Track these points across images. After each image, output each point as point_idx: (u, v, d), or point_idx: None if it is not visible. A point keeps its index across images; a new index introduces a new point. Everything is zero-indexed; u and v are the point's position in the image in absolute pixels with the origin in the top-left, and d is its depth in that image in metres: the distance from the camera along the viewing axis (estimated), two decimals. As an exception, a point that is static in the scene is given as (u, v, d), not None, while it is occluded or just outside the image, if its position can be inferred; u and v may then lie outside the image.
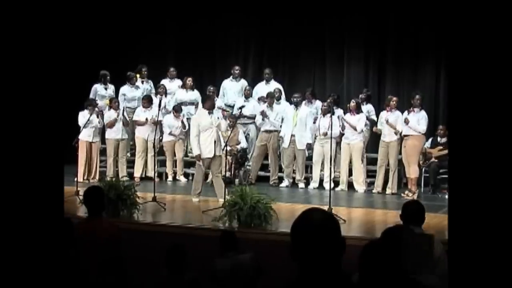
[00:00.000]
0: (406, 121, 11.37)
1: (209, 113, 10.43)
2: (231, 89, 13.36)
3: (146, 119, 12.55)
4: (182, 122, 12.73)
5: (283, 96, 12.76)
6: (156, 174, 11.18)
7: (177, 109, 12.73)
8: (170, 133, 12.70)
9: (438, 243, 4.85)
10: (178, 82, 13.64)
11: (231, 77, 13.42)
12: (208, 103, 10.59)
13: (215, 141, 10.28)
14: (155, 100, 12.55)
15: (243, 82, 13.39)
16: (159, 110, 11.30)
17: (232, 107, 13.04)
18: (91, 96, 13.05)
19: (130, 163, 12.94)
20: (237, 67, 13.44)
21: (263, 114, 12.28)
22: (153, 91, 13.53)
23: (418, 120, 11.42)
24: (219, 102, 12.72)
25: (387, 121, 11.59)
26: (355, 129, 11.73)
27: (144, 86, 13.54)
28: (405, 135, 11.52)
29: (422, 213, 4.99)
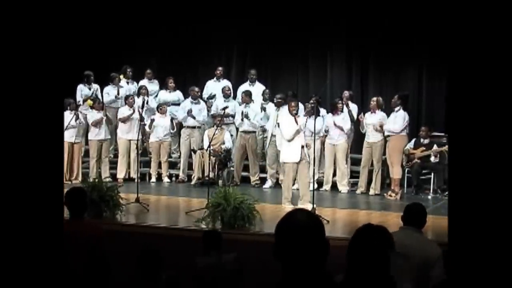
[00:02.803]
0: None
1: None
2: (214, 89, 13.38)
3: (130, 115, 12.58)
4: (172, 121, 12.72)
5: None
6: (139, 175, 11.10)
7: (162, 107, 12.75)
8: (146, 128, 12.60)
9: (436, 246, 4.86)
10: (156, 82, 13.70)
11: (214, 77, 13.43)
12: (293, 106, 10.38)
13: (302, 146, 10.04)
14: (138, 101, 12.61)
15: (226, 83, 13.39)
16: (142, 110, 11.26)
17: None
18: (77, 96, 13.06)
19: (114, 164, 12.87)
20: (220, 68, 13.49)
21: (244, 114, 12.24)
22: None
23: (395, 119, 11.43)
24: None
25: (375, 129, 11.64)
26: (341, 129, 11.75)
27: (128, 87, 13.51)
28: (387, 136, 11.54)
29: (424, 215, 4.98)
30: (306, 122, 10.48)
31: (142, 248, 5.31)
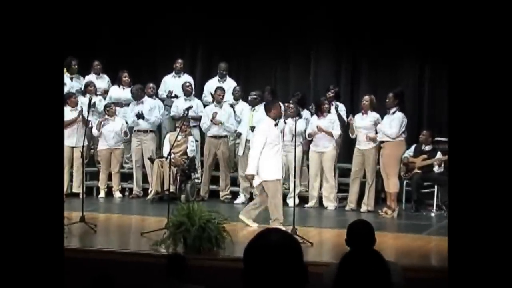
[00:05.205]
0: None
1: (276, 124, 9.96)
2: (173, 86, 13.29)
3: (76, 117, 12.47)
4: (124, 125, 12.61)
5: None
6: (84, 189, 10.92)
7: (110, 108, 12.60)
8: (93, 132, 12.65)
9: (396, 269, 4.83)
10: (106, 78, 13.61)
11: (173, 72, 13.36)
12: (274, 110, 9.92)
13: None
14: (83, 100, 12.48)
15: (187, 78, 13.30)
16: (88, 111, 11.06)
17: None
18: None
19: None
20: (179, 60, 13.44)
21: (214, 115, 12.12)
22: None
23: (391, 122, 11.33)
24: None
25: (367, 139, 11.54)
26: (331, 135, 11.67)
27: (72, 84, 13.24)
28: (381, 142, 11.44)
29: (371, 234, 5.02)
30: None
31: (95, 274, 5.28)
